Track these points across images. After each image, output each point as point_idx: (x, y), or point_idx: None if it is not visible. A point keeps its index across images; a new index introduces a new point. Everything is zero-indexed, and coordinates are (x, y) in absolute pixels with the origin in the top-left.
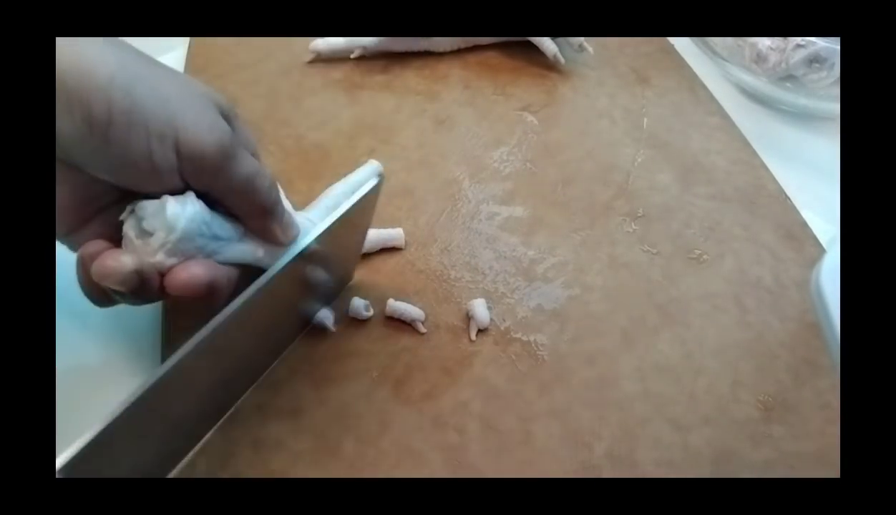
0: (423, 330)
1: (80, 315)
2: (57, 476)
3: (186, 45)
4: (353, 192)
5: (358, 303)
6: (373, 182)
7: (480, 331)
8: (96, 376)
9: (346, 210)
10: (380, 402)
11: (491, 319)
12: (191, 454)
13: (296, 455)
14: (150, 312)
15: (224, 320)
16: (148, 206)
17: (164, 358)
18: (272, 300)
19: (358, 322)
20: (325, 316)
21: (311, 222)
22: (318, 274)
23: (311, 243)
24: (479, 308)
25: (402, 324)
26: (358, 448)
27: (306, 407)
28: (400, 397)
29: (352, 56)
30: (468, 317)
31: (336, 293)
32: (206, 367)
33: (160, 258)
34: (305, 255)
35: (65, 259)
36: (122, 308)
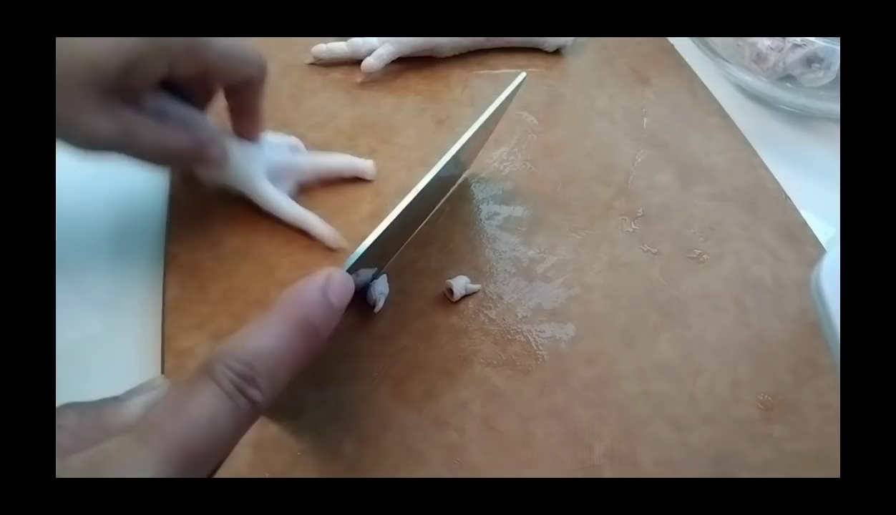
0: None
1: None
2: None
3: None
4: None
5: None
6: (519, 79)
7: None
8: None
9: (496, 107)
10: (380, 402)
11: (491, 318)
12: None
13: (296, 455)
14: (149, 311)
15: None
16: None
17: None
18: None
19: (358, 321)
20: (381, 291)
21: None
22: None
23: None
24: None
25: (402, 324)
26: (358, 448)
27: (306, 407)
28: (400, 397)
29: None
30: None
31: (455, 181)
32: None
33: None
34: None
35: (64, 255)
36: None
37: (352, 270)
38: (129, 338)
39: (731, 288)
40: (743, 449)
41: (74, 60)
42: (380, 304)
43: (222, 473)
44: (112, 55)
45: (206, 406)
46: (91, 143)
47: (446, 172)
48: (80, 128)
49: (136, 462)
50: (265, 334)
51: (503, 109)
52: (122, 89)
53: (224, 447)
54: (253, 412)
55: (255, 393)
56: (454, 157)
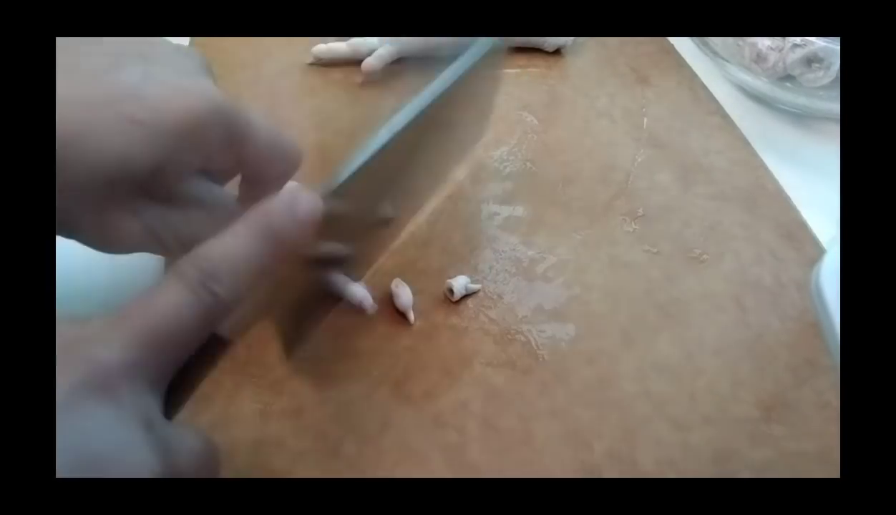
0: (411, 318)
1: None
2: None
3: (186, 45)
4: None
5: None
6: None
7: (460, 300)
8: None
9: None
10: (380, 402)
11: (491, 318)
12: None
13: (296, 455)
14: None
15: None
16: None
17: None
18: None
19: (358, 321)
20: (363, 295)
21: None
22: (455, 121)
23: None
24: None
25: (402, 325)
26: (358, 448)
27: (306, 407)
28: (400, 397)
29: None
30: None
31: (470, 147)
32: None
33: None
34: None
35: (63, 257)
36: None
37: (325, 194)
38: None
39: (731, 288)
40: (743, 449)
41: (102, 157)
42: (411, 316)
43: (222, 473)
44: (145, 151)
45: (171, 297)
46: (114, 246)
47: (436, 121)
48: (105, 231)
49: (105, 343)
50: (229, 239)
51: (492, 70)
52: (153, 187)
53: (189, 336)
54: (216, 305)
55: (216, 287)
56: (435, 107)
